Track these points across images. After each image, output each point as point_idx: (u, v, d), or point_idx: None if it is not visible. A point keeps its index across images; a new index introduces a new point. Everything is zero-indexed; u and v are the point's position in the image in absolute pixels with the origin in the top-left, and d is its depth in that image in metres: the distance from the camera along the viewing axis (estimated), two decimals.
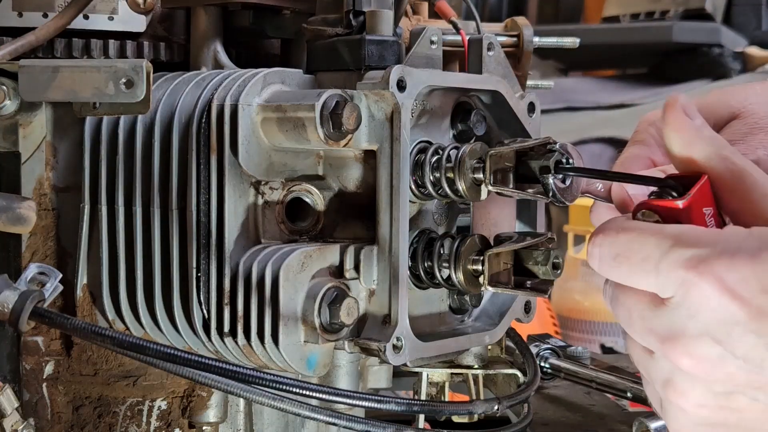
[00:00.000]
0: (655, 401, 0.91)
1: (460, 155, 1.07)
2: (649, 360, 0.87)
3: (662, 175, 0.94)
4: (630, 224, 0.87)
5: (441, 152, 1.09)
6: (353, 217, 1.12)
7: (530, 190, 1.03)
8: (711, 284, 0.80)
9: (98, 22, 1.21)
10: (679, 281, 0.81)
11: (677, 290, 0.82)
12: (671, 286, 0.82)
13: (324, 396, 0.99)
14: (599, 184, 1.04)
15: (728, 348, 0.81)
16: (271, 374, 0.96)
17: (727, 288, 0.79)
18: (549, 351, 1.56)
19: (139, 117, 1.14)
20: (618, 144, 4.00)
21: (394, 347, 1.05)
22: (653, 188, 0.93)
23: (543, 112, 1.22)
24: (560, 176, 1.00)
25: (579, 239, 3.85)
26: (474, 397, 1.37)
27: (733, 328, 0.80)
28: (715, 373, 0.82)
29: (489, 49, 1.18)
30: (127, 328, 1.17)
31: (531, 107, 1.21)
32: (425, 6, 1.43)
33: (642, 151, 1.03)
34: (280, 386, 0.96)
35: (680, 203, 0.87)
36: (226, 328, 1.08)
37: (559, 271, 1.07)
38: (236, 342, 1.08)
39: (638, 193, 1.00)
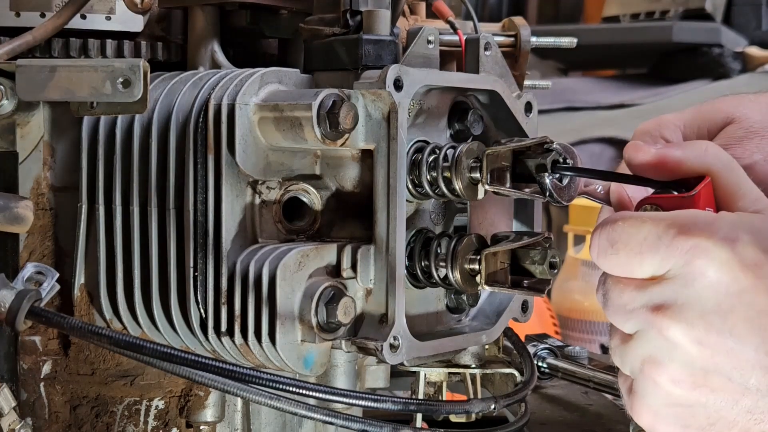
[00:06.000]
0: (625, 391, 0.92)
1: (457, 155, 1.07)
2: (627, 345, 0.89)
3: None
4: (629, 213, 0.90)
5: (438, 152, 1.09)
6: (350, 217, 1.12)
7: (527, 190, 1.03)
8: (712, 254, 0.83)
9: (95, 21, 1.21)
10: (677, 252, 0.84)
11: (675, 262, 0.84)
12: (669, 260, 0.85)
13: (321, 395, 0.99)
14: (599, 186, 1.04)
15: (717, 318, 0.83)
16: (268, 373, 0.96)
17: (726, 258, 0.83)
18: (547, 351, 1.57)
19: (137, 116, 1.14)
20: (618, 144, 4.00)
21: (391, 346, 1.05)
22: (652, 189, 0.94)
23: (543, 112, 1.23)
24: (557, 176, 1.00)
25: (579, 239, 3.84)
26: (471, 396, 1.37)
27: (726, 298, 0.83)
28: (700, 343, 0.84)
29: (486, 49, 1.18)
30: (125, 328, 1.17)
31: (528, 107, 1.21)
32: (422, 6, 1.43)
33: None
34: (278, 385, 0.96)
35: (686, 197, 0.88)
36: (224, 327, 1.08)
37: (556, 271, 1.07)
38: (233, 341, 1.08)
39: (637, 195, 1.00)
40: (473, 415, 1.32)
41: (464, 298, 1.20)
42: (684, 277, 0.84)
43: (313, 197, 1.13)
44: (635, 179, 0.96)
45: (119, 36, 1.22)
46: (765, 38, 4.85)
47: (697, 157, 0.90)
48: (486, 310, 1.22)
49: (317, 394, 0.99)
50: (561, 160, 1.00)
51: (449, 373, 1.37)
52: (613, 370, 1.51)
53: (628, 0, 5.15)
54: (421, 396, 1.35)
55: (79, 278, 1.19)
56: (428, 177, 1.09)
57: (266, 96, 1.08)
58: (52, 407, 1.20)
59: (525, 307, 1.23)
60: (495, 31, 1.41)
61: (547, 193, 0.99)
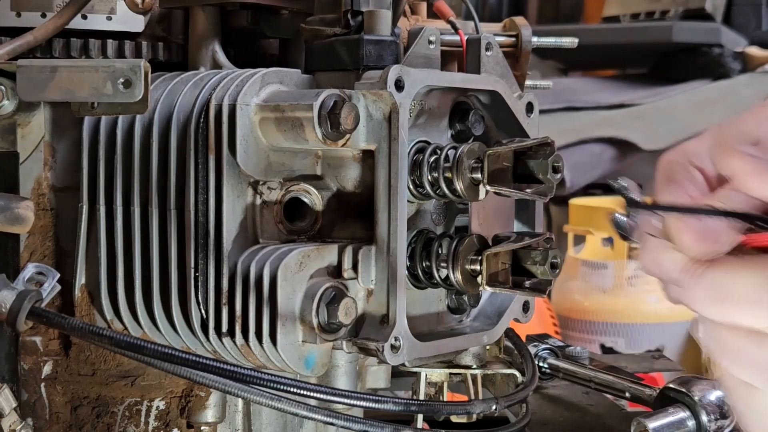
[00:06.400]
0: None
1: (458, 155, 1.07)
2: (751, 394, 0.82)
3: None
4: (732, 259, 0.81)
5: (439, 152, 1.09)
6: (351, 217, 1.12)
7: (528, 190, 1.03)
8: None
9: (96, 22, 1.21)
10: None
11: None
12: None
13: (322, 396, 0.99)
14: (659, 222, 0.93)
15: None
16: (269, 374, 0.96)
17: None
18: (547, 351, 1.56)
19: (138, 117, 1.14)
20: (618, 144, 3.99)
21: (392, 347, 1.05)
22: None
23: (543, 112, 1.22)
24: (634, 214, 0.91)
25: (579, 239, 3.83)
26: (472, 397, 1.37)
27: None
28: None
29: (487, 49, 1.18)
30: (126, 328, 1.17)
31: (529, 107, 1.21)
32: (424, 6, 1.43)
33: (682, 192, 0.95)
34: (279, 386, 0.96)
35: None
36: (224, 328, 1.08)
37: (557, 271, 1.07)
38: (234, 342, 1.08)
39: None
40: (474, 416, 1.31)
41: (465, 298, 1.20)
42: None
43: (314, 198, 1.13)
44: (725, 213, 0.86)
45: (120, 36, 1.22)
46: (765, 38, 4.85)
47: None
48: (487, 310, 1.22)
49: (318, 395, 0.99)
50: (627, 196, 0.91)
51: (450, 373, 1.37)
52: (614, 370, 1.51)
53: (628, 0, 5.15)
54: (422, 396, 1.35)
55: (80, 278, 1.19)
56: (429, 177, 1.09)
57: (267, 96, 1.08)
58: (53, 408, 1.20)
59: (526, 307, 1.23)
60: (496, 31, 1.41)
61: (622, 235, 0.92)
